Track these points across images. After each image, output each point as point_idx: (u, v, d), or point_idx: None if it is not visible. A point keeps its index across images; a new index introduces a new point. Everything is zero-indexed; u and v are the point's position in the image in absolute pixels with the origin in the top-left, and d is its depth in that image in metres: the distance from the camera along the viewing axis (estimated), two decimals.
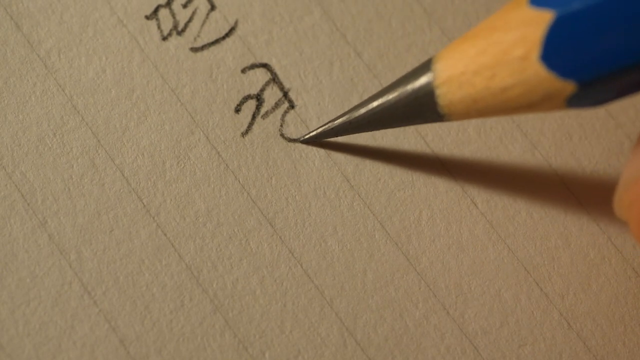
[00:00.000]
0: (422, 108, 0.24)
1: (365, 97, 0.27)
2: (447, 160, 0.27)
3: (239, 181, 0.26)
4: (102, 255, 0.25)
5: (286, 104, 0.27)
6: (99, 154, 0.26)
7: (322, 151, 0.27)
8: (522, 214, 0.27)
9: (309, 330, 0.25)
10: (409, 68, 0.28)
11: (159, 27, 0.27)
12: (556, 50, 0.21)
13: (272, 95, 0.27)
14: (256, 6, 0.28)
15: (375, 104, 0.25)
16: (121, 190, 0.26)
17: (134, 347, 0.24)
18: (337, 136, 0.26)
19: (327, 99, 0.27)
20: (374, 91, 0.27)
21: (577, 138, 0.27)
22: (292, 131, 0.27)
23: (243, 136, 0.27)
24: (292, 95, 0.27)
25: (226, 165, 0.26)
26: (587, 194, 0.27)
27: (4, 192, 0.25)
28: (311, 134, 0.26)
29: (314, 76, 0.27)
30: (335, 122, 0.26)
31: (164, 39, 0.27)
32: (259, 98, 0.27)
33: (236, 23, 0.28)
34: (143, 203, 0.26)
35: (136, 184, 0.26)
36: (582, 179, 0.27)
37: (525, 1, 0.21)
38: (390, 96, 0.24)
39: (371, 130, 0.26)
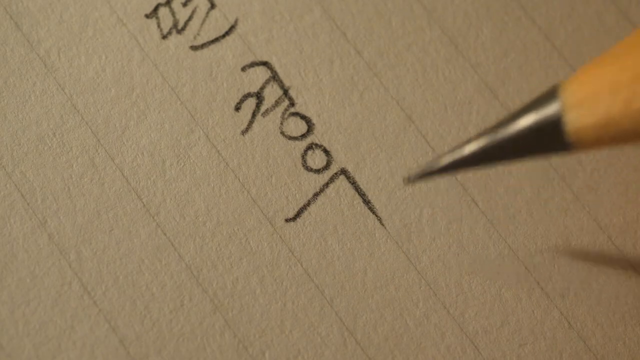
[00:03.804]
0: (545, 138, 0.21)
1: (366, 95, 0.27)
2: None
3: (239, 180, 0.26)
4: (102, 255, 0.25)
5: (286, 102, 0.27)
6: (98, 153, 0.26)
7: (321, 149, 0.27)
8: (522, 213, 0.26)
9: (309, 330, 0.25)
10: (409, 67, 0.28)
11: (158, 25, 0.27)
12: None
13: (272, 93, 0.27)
14: (256, 4, 0.28)
15: (491, 137, 0.22)
16: (121, 190, 0.26)
17: (134, 347, 0.24)
18: (443, 175, 0.24)
19: (327, 97, 0.27)
20: (374, 90, 0.27)
21: None
22: (292, 129, 0.27)
23: (243, 134, 0.27)
24: (292, 93, 0.27)
25: (226, 163, 0.26)
26: (587, 193, 0.27)
27: (4, 191, 0.25)
28: (416, 173, 0.24)
29: (314, 74, 0.27)
30: (443, 159, 0.23)
31: (164, 37, 0.27)
32: (259, 96, 0.27)
33: (236, 21, 0.28)
34: (143, 202, 0.26)
35: (136, 183, 0.26)
36: (583, 178, 0.27)
37: None
38: (513, 127, 0.22)
39: (483, 167, 0.23)
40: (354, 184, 0.27)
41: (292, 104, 0.27)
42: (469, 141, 0.23)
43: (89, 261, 0.25)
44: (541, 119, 0.21)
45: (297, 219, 0.26)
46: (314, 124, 0.27)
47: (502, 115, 0.27)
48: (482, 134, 0.23)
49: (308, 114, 0.27)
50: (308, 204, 0.26)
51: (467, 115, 0.27)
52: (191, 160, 0.26)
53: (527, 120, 0.22)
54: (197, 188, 0.26)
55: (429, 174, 0.23)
